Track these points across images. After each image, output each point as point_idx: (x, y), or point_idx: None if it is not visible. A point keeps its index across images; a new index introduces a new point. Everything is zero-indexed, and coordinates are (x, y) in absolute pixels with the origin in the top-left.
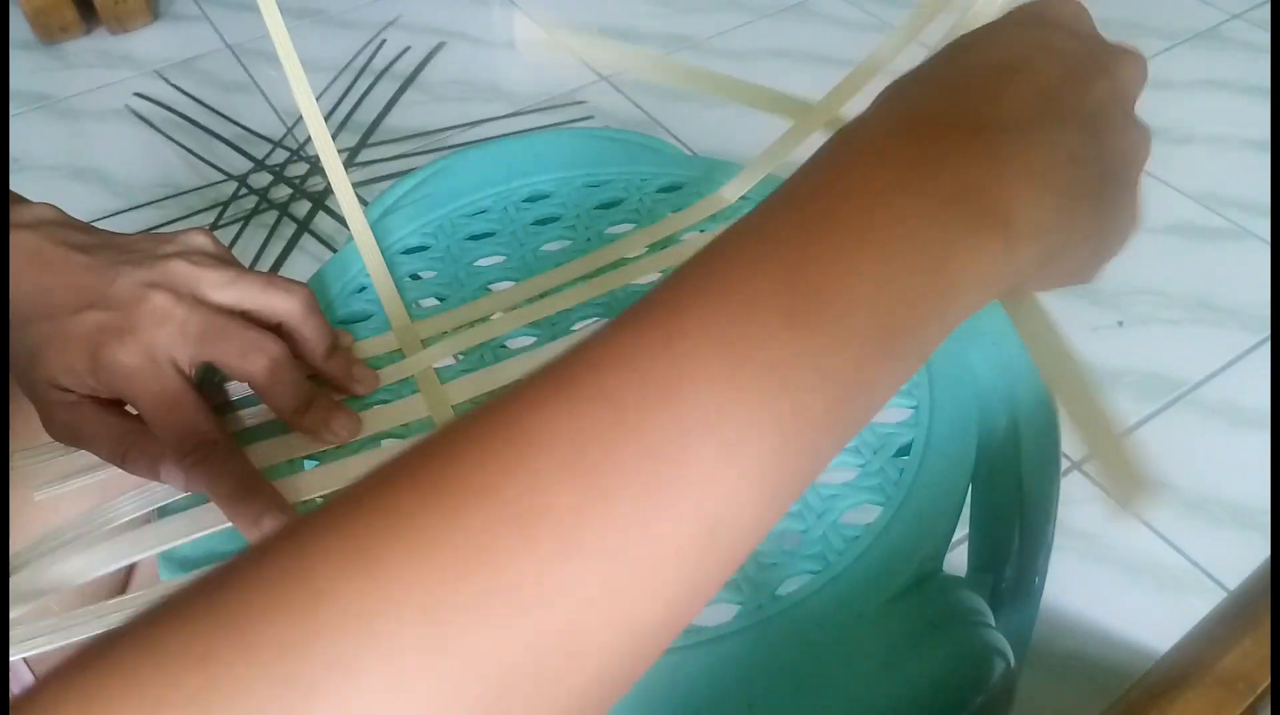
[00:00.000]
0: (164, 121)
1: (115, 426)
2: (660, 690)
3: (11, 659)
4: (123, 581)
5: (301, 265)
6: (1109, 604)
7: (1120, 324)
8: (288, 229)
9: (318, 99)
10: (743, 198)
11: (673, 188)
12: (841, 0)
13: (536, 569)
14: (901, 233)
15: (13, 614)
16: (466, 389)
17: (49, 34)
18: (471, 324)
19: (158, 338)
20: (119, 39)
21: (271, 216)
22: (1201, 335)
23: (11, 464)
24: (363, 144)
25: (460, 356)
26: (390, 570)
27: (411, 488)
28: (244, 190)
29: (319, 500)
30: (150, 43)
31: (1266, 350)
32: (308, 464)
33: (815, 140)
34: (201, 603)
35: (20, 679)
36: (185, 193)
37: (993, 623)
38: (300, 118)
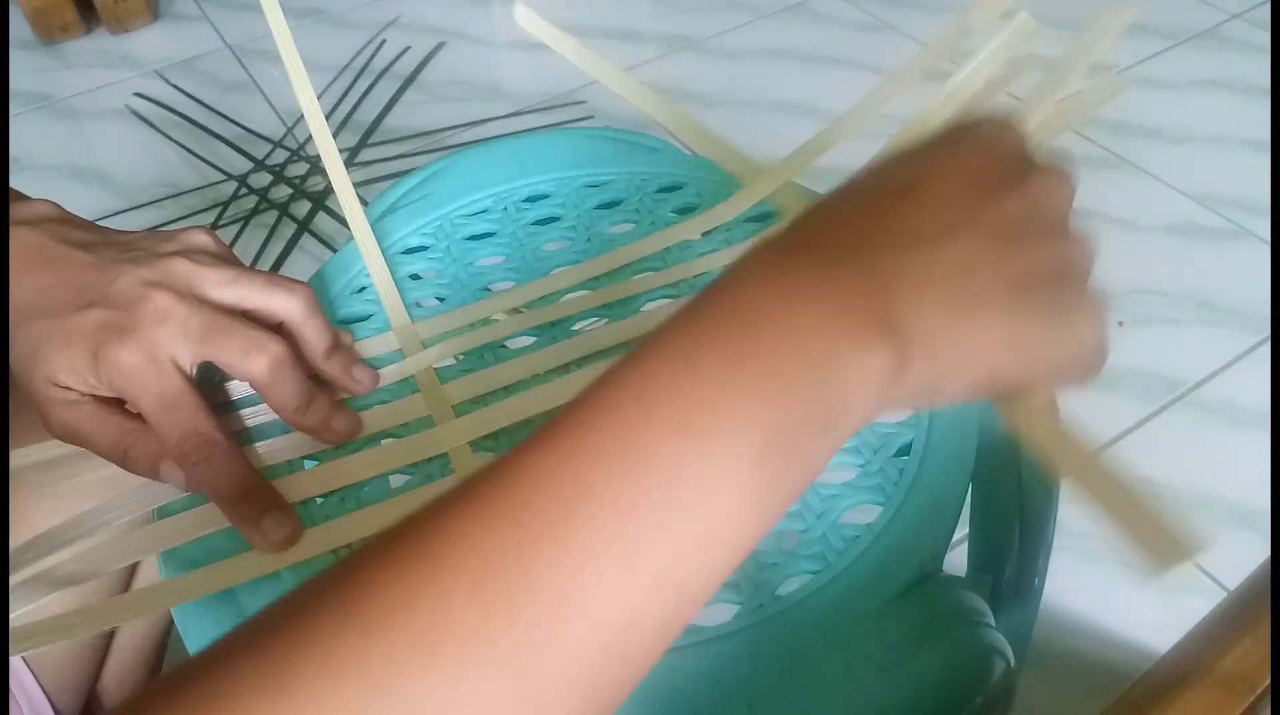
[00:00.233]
0: (164, 121)
1: (115, 425)
2: (660, 690)
3: (12, 659)
4: (123, 581)
5: (301, 265)
6: (1109, 604)
7: (1120, 324)
8: (288, 229)
9: (318, 99)
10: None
11: (673, 188)
12: (841, 0)
13: (444, 687)
14: (786, 350)
15: (13, 614)
16: (466, 389)
17: (49, 34)
18: (472, 325)
19: (159, 336)
20: (119, 39)
21: (271, 216)
22: (1201, 335)
23: (11, 464)
24: (363, 144)
25: (460, 357)
26: (303, 694)
27: (325, 611)
28: (244, 190)
29: (319, 500)
30: (150, 43)
31: (1266, 350)
32: (308, 464)
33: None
34: None
35: (20, 679)
36: (185, 193)
37: (993, 623)
38: (300, 118)
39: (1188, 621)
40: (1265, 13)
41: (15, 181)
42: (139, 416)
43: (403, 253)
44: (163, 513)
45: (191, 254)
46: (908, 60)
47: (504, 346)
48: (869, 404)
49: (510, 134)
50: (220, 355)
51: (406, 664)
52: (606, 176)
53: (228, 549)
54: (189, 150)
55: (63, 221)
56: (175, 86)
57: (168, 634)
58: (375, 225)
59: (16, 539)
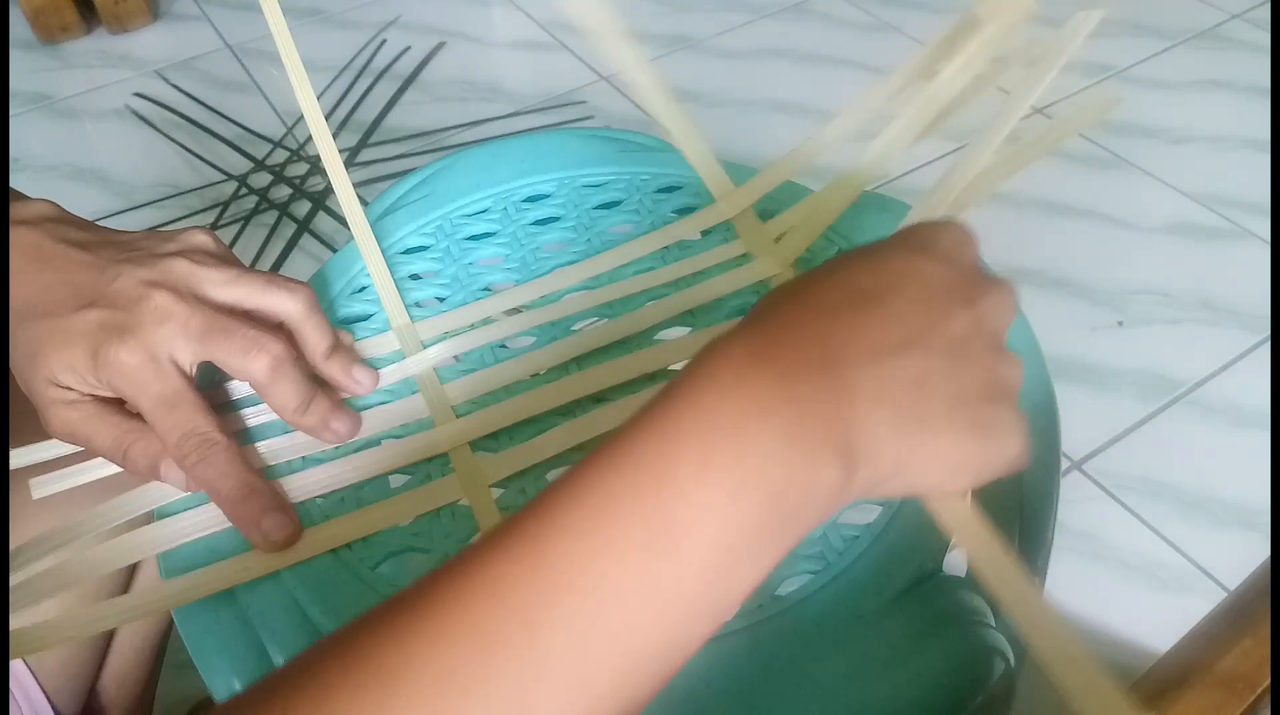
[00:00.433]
0: (164, 121)
1: (115, 425)
2: (660, 690)
3: (11, 659)
4: (123, 581)
5: (301, 265)
6: (1109, 604)
7: (1120, 324)
8: (288, 229)
9: (318, 99)
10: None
11: (673, 188)
12: (842, 0)
13: None
14: (742, 470)
15: (13, 615)
16: (466, 389)
17: (49, 34)
18: (472, 325)
19: (159, 336)
20: (119, 39)
21: (271, 216)
22: (1201, 335)
23: (12, 463)
24: (363, 144)
25: (460, 357)
26: None
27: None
28: (244, 190)
29: (319, 500)
30: (150, 43)
31: (1266, 350)
32: (308, 464)
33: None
34: None
35: (20, 679)
36: (185, 193)
37: (993, 623)
38: (300, 118)
39: (1188, 621)
40: (1265, 13)
41: (15, 181)
42: (139, 416)
43: (403, 253)
44: (162, 513)
45: (191, 254)
46: (906, 60)
47: (504, 346)
48: (819, 514)
49: (510, 134)
50: (220, 355)
51: None
52: (606, 176)
53: (228, 549)
54: (189, 150)
55: (62, 221)
56: (175, 86)
57: (168, 634)
58: (375, 225)
59: (16, 539)
